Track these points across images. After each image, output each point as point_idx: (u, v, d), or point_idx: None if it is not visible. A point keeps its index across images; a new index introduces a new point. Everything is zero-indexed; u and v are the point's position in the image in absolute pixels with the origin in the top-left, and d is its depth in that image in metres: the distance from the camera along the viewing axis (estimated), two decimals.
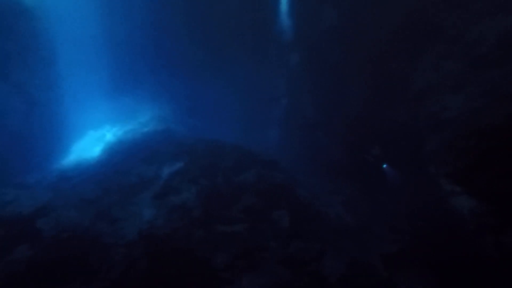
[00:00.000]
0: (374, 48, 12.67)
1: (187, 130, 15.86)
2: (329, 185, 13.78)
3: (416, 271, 8.60)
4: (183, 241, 9.54)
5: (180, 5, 16.75)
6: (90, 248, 8.99)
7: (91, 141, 15.68)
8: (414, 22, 11.75)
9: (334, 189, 13.46)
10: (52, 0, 13.27)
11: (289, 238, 9.92)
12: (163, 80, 17.20)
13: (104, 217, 10.54)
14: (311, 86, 15.59)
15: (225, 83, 17.33)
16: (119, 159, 13.49)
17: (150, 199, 11.54)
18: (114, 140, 15.07)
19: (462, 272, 7.77)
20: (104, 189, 11.73)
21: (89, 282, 7.73)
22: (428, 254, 8.77)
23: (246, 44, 17.19)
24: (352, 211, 11.83)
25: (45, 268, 7.86)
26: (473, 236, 8.12)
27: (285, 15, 16.06)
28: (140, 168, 13.07)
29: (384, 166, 12.10)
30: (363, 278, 8.57)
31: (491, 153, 7.40)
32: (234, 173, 12.60)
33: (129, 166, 13.09)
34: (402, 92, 11.86)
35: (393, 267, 8.83)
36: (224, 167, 12.78)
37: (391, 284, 8.27)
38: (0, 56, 10.48)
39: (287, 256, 9.29)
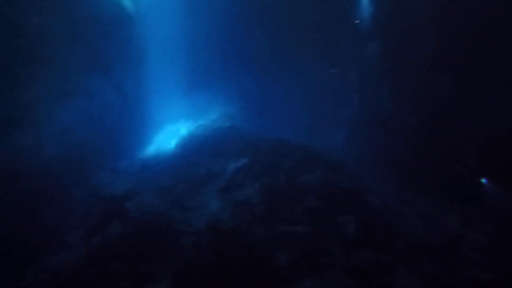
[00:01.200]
0: (475, 34, 10.67)
1: (252, 128, 16.28)
2: (402, 193, 12.41)
3: None
4: (246, 236, 9.78)
5: (254, 2, 17.12)
6: (165, 232, 9.97)
7: (168, 134, 17.47)
8: None
9: (409, 199, 12.06)
10: (146, 7, 15.11)
11: (356, 246, 9.25)
12: (233, 77, 17.99)
13: (176, 204, 11.55)
14: (390, 79, 14.09)
15: (293, 81, 17.18)
16: (190, 152, 14.64)
17: (216, 192, 12.20)
18: (187, 134, 16.48)
19: None
20: (178, 179, 12.89)
21: (165, 261, 8.56)
22: None
23: (317, 40, 16.65)
24: (431, 225, 10.39)
25: (131, 244, 9.03)
26: None
27: (366, 2, 14.99)
28: (208, 162, 13.95)
29: (483, 181, 10.07)
30: None
31: None
32: (297, 173, 12.41)
33: (199, 159, 14.10)
34: (507, 89, 9.80)
35: None
36: (288, 166, 12.70)
37: None
38: (105, 58, 12.46)
39: (353, 265, 8.67)
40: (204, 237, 9.89)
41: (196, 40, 18.24)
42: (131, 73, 14.41)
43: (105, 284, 7.52)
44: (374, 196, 11.35)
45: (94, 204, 10.92)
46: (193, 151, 14.83)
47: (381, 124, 14.03)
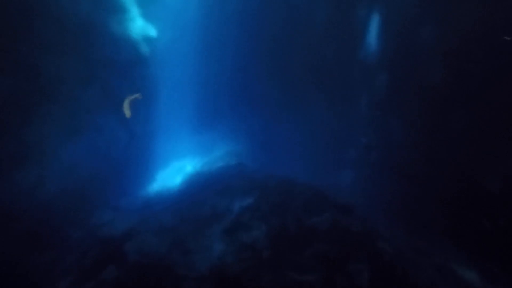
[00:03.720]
0: (481, 68, 10.76)
1: (258, 166, 16.13)
2: (415, 240, 11.75)
3: None
4: (252, 284, 9.12)
5: (264, 45, 18.01)
6: (164, 277, 9.32)
7: (173, 171, 17.28)
8: None
9: (423, 247, 11.37)
10: (161, 49, 15.96)
11: None
12: (241, 116, 18.31)
13: (178, 246, 10.97)
14: (400, 112, 13.96)
15: (299, 120, 17.39)
16: (195, 190, 14.32)
17: (221, 233, 11.66)
18: (192, 171, 16.30)
19: None
20: (181, 218, 12.41)
21: None
22: None
23: (324, 80, 17.12)
24: (450, 280, 9.63)
25: None
26: None
27: (373, 38, 15.58)
28: (214, 200, 13.54)
29: None
30: None
31: None
32: (305, 214, 11.96)
33: (204, 197, 13.72)
34: None
35: None
36: (295, 207, 12.28)
37: None
38: (116, 96, 12.80)
39: None
40: (206, 284, 9.23)
41: (206, 80, 18.97)
42: (141, 110, 14.73)
43: None
44: (386, 243, 10.75)
45: (90, 246, 10.37)
46: (198, 189, 14.52)
47: (392, 167, 13.62)
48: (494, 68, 10.85)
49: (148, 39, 14.66)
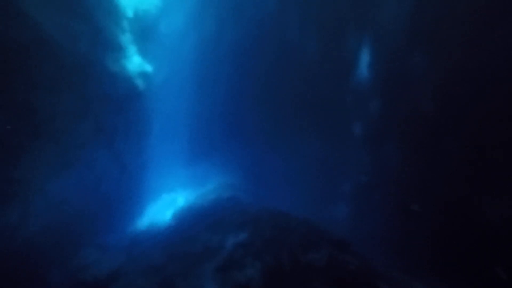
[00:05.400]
0: (473, 95, 10.86)
1: (252, 198, 15.84)
2: (417, 284, 11.28)
3: None
4: None
5: (257, 79, 18.50)
6: None
7: (164, 204, 16.75)
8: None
9: None
10: (156, 84, 16.23)
11: None
12: (234, 149, 18.29)
13: (167, 287, 10.32)
14: (394, 140, 13.85)
15: (292, 153, 17.46)
16: (187, 225, 13.82)
17: (213, 271, 11.06)
18: (184, 204, 15.83)
19: None
20: (170, 256, 11.79)
21: None
22: None
23: (316, 112, 17.42)
24: None
25: None
26: None
27: (365, 67, 16.03)
28: (205, 236, 13.03)
29: None
30: None
31: None
32: (301, 251, 11.53)
33: (195, 233, 13.19)
34: None
35: None
36: (290, 242, 11.86)
37: None
38: (110, 131, 12.72)
39: None
40: None
41: (199, 113, 19.19)
42: (134, 143, 14.63)
43: None
44: (387, 285, 10.33)
45: None
46: (190, 223, 14.01)
47: (388, 200, 13.29)
48: (482, 94, 11.03)
49: (144, 75, 15.01)
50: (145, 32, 14.91)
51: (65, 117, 10.23)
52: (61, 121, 10.05)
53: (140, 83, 14.51)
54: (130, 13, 14.04)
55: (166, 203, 16.87)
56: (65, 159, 10.47)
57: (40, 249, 9.60)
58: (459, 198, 11.06)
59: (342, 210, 15.29)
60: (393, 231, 12.63)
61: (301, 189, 16.55)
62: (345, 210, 15.27)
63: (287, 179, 17.21)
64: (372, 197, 13.86)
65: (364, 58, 16.25)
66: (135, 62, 14.33)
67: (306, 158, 17.10)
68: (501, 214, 9.34)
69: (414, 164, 13.06)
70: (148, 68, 15.34)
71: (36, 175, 9.44)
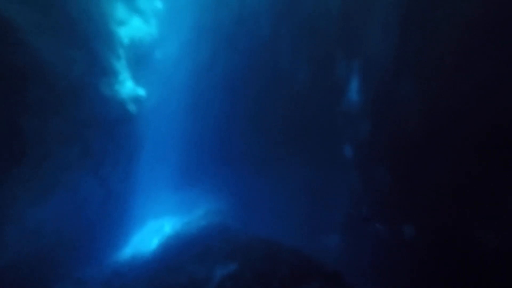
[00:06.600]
0: (461, 119, 10.99)
1: (241, 226, 15.41)
2: None
3: None
4: None
5: (247, 104, 18.66)
6: None
7: (149, 232, 16.05)
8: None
9: None
10: (148, 109, 16.18)
11: None
12: (223, 175, 18.05)
13: None
14: (386, 163, 13.86)
15: (281, 179, 17.33)
16: (173, 254, 13.21)
17: None
18: (171, 233, 15.21)
19: None
20: None
21: None
22: None
23: (306, 138, 17.50)
24: None
25: None
26: None
27: (354, 93, 16.39)
28: (192, 267, 12.45)
29: None
30: None
31: None
32: (292, 283, 11.13)
33: (182, 263, 12.61)
34: None
35: None
36: (281, 275, 11.44)
37: None
38: (98, 154, 12.38)
39: None
40: None
41: (189, 138, 19.06)
42: (120, 168, 14.21)
43: None
44: None
45: None
46: (176, 252, 13.40)
47: (381, 229, 13.09)
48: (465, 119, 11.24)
49: (136, 99, 14.96)
50: (140, 58, 15.12)
51: (51, 141, 9.92)
52: (47, 145, 9.74)
53: (132, 107, 14.43)
54: (126, 40, 14.28)
55: (152, 231, 16.18)
56: (48, 184, 9.99)
57: (9, 285, 8.84)
58: (450, 227, 10.99)
59: (334, 240, 14.99)
60: (385, 260, 12.41)
61: (292, 217, 16.26)
62: (336, 240, 14.98)
63: (277, 206, 16.93)
64: (364, 228, 13.72)
65: (354, 84, 16.82)
66: (128, 87, 14.35)
67: (297, 185, 17.00)
68: (496, 246, 9.29)
69: (404, 188, 13.05)
70: (141, 92, 15.35)
71: (15, 202, 8.93)
